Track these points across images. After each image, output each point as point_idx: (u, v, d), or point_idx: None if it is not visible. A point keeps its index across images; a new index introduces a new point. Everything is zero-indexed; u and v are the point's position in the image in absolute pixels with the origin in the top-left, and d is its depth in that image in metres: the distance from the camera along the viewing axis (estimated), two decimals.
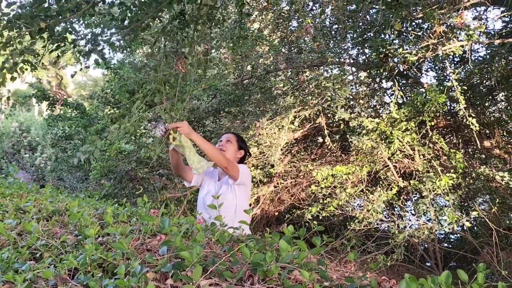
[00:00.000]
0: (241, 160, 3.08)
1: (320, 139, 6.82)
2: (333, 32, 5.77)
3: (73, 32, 2.28)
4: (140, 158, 6.59)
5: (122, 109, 5.78)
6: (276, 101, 6.38)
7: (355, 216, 5.30)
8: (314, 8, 5.61)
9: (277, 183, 6.78)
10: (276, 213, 7.64)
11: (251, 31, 6.18)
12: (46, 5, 2.08)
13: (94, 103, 7.23)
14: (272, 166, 6.07)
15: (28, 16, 2.03)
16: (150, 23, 2.43)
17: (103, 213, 2.12)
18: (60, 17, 2.06)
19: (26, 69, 2.54)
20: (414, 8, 3.61)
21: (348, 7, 5.52)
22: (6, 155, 13.62)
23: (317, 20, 5.56)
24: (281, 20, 6.53)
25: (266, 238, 1.69)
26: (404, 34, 4.65)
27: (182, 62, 2.34)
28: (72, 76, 2.57)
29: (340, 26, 5.33)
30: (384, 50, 4.21)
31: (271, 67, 6.35)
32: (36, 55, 2.29)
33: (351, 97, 5.12)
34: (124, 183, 6.69)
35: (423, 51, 3.88)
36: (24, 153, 13.52)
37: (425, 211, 4.69)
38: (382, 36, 4.67)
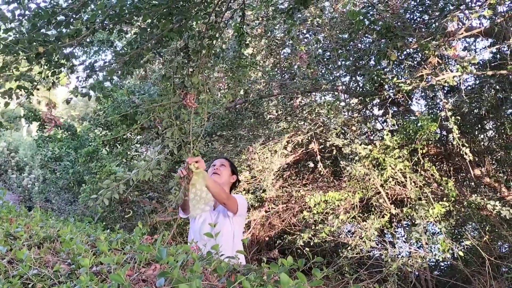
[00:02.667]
0: (233, 186, 3.09)
1: (312, 164, 6.82)
2: (325, 59, 5.85)
3: (71, 59, 2.27)
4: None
5: (115, 132, 5.76)
6: (268, 126, 6.40)
7: (347, 243, 5.27)
8: (308, 36, 5.70)
9: (269, 208, 6.73)
10: (267, 238, 7.56)
11: (244, 57, 6.24)
12: (44, 30, 2.08)
13: (85, 125, 7.18)
14: (264, 190, 6.04)
15: (26, 41, 2.02)
16: (150, 58, 2.44)
17: (95, 240, 2.07)
18: (59, 42, 2.05)
19: (21, 95, 2.51)
20: (408, 39, 3.70)
21: (341, 35, 5.61)
22: None
23: (310, 47, 5.64)
24: (274, 46, 6.61)
25: (263, 269, 1.66)
26: (397, 63, 4.74)
27: (191, 97, 2.35)
28: (68, 102, 2.55)
29: (333, 54, 5.41)
30: (379, 79, 4.28)
31: (264, 92, 6.39)
32: (32, 81, 2.27)
33: (343, 123, 5.16)
34: (114, 206, 6.59)
35: (417, 81, 3.95)
36: (11, 174, 13.31)
37: (417, 239, 4.68)
38: (376, 64, 4.75)
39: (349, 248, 5.08)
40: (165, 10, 2.16)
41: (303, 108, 5.65)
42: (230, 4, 2.60)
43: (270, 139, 5.85)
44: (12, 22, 2.20)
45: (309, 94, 5.98)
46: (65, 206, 7.43)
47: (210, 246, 1.82)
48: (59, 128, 7.14)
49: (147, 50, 2.26)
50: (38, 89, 2.58)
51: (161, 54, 2.42)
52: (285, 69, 6.89)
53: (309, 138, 5.93)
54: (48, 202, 9.06)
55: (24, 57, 2.07)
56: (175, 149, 2.19)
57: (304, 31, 5.83)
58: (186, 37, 2.35)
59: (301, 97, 6.15)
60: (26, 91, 2.29)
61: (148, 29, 2.27)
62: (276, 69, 6.94)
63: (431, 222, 4.93)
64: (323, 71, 5.72)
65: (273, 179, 5.94)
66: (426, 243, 4.87)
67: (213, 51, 2.45)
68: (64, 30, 2.14)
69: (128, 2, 2.12)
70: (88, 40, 2.47)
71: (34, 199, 9.39)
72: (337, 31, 5.40)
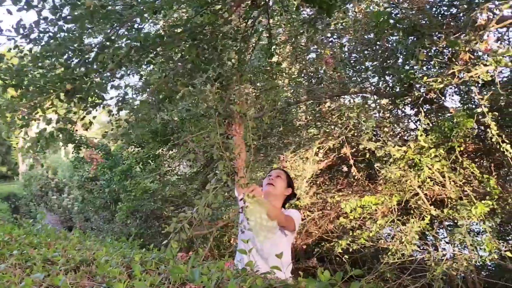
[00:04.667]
0: (288, 199, 3.08)
1: (345, 169, 6.69)
2: (352, 62, 5.75)
3: (101, 95, 2.31)
4: (165, 196, 6.60)
5: (147, 149, 5.85)
6: (298, 133, 6.33)
7: (388, 248, 5.11)
8: (332, 39, 5.62)
9: (304, 216, 6.65)
10: (304, 246, 7.46)
11: (276, 77, 6.21)
12: (75, 69, 2.13)
13: (118, 144, 7.34)
14: (298, 198, 5.97)
15: (56, 80, 2.07)
16: (185, 93, 2.44)
17: (130, 261, 2.07)
18: (87, 78, 2.09)
19: (60, 137, 2.57)
20: (436, 35, 3.58)
21: (366, 36, 5.51)
22: (34, 198, 13.90)
23: (335, 50, 5.56)
24: (299, 52, 6.55)
25: (300, 283, 1.61)
26: (426, 60, 4.59)
27: (235, 126, 2.37)
28: (103, 136, 2.61)
29: (360, 55, 5.31)
30: (409, 80, 4.16)
31: (292, 99, 6.34)
32: (71, 123, 2.32)
33: (374, 125, 5.04)
34: (150, 222, 6.68)
35: (449, 78, 3.81)
36: (52, 195, 13.75)
37: (461, 240, 4.49)
38: (404, 64, 4.62)
39: (389, 253, 4.92)
40: (188, 36, 2.16)
41: (332, 113, 5.57)
42: (255, 26, 2.58)
43: (301, 146, 5.79)
44: (43, 62, 2.25)
45: (337, 98, 5.89)
46: (103, 225, 7.58)
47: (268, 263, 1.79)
48: (93, 148, 7.29)
49: (182, 85, 2.26)
50: (77, 130, 2.66)
51: (194, 86, 2.42)
52: (312, 74, 6.82)
53: (341, 142, 5.83)
54: (88, 221, 9.28)
55: (54, 96, 2.11)
56: (229, 181, 2.21)
57: (328, 35, 5.76)
58: (217, 66, 2.34)
59: (329, 101, 6.06)
60: (65, 132, 2.34)
61: (178, 59, 2.28)
62: (302, 75, 6.88)
63: (474, 221, 4.73)
64: (350, 74, 5.62)
65: (306, 186, 5.87)
66: (471, 244, 4.67)
67: (245, 77, 2.44)
68: (91, 66, 2.17)
69: (151, 33, 2.14)
70: (118, 75, 2.50)
71: (74, 219, 9.65)
72: (362, 32, 5.30)
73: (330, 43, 5.61)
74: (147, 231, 6.51)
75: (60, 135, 2.50)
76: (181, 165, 7.62)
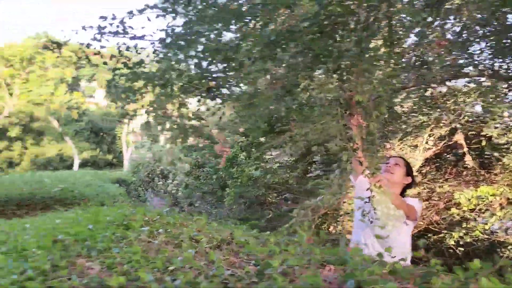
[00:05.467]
0: (407, 187, 3.03)
1: (453, 157, 6.33)
2: (465, 43, 5.36)
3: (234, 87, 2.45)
4: (267, 183, 6.78)
5: (251, 138, 6.05)
6: (403, 119, 6.10)
7: (506, 241, 4.79)
8: (447, 21, 5.29)
9: None
10: None
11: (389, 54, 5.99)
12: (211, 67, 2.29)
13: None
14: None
15: (198, 78, 2.24)
16: (306, 85, 2.49)
17: (265, 242, 2.20)
18: (226, 75, 2.23)
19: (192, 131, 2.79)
20: None
21: (481, 15, 5.11)
22: (142, 183, 15.10)
23: (447, 32, 5.24)
24: (401, 34, 6.27)
25: (438, 272, 1.59)
26: None
27: (357, 116, 2.41)
28: (221, 130, 2.77)
29: (474, 35, 4.94)
30: None
31: (397, 85, 6.10)
32: (201, 119, 2.50)
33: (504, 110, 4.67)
34: (254, 207, 6.92)
35: None
36: (158, 181, 14.79)
37: None
38: None
39: (509, 247, 4.61)
40: (317, 30, 2.19)
41: (445, 98, 5.27)
42: (376, 16, 2.54)
43: (408, 133, 5.58)
44: (183, 63, 2.44)
45: (449, 82, 5.55)
46: (210, 209, 8.00)
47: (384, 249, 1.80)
48: (223, 143, 7.66)
49: (302, 78, 2.33)
50: (208, 126, 2.87)
51: (313, 79, 2.46)
52: (416, 58, 6.50)
53: (450, 129, 5.52)
54: (191, 206, 9.85)
55: (197, 94, 2.29)
56: (353, 171, 2.26)
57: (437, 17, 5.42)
58: (336, 57, 2.35)
59: (438, 86, 5.74)
60: (195, 129, 2.53)
61: (300, 52, 2.33)
62: (402, 59, 6.59)
63: None
64: (464, 56, 5.26)
65: (415, 175, 5.66)
66: None
67: (365, 66, 2.43)
68: (229, 64, 2.30)
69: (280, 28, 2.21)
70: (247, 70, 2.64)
71: (181, 203, 10.29)
72: (477, 11, 4.92)
73: (444, 24, 5.29)
74: (252, 216, 6.76)
75: (191, 130, 2.71)
76: (281, 154, 7.75)
